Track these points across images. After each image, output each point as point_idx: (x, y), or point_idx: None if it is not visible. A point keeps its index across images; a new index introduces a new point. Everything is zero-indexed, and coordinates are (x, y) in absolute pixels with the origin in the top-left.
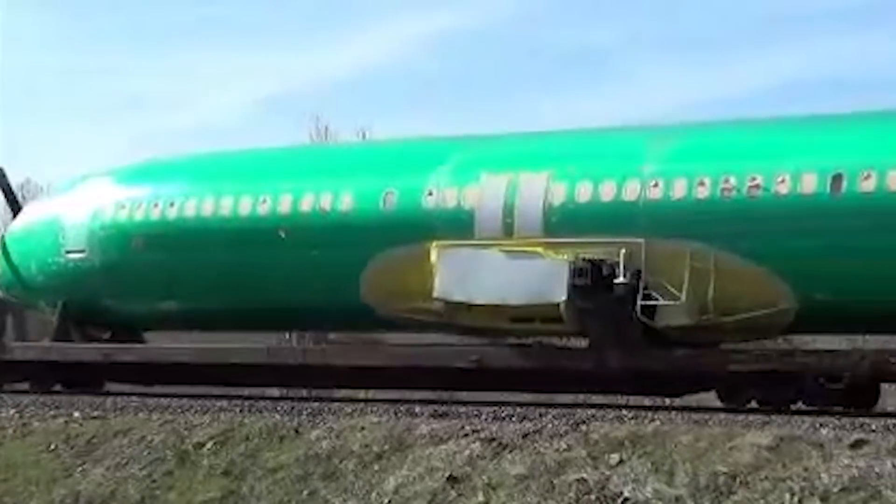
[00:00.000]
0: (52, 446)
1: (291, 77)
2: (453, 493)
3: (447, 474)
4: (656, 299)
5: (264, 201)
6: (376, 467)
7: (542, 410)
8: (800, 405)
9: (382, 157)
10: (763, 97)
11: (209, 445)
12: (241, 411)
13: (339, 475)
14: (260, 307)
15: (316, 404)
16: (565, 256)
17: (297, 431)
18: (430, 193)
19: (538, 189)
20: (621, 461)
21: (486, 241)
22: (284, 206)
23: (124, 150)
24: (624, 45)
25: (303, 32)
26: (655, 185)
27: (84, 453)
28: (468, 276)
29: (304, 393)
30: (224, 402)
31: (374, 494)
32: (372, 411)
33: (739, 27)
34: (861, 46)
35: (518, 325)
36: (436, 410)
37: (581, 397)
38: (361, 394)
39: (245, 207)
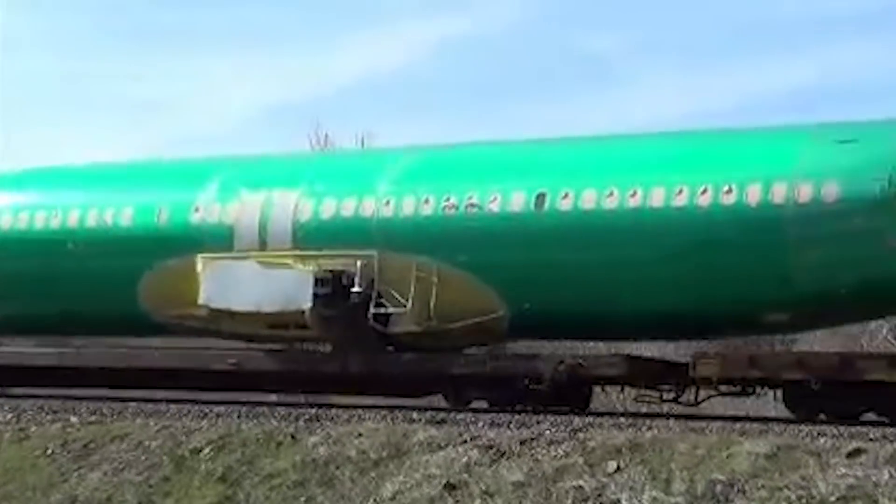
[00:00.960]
0: (49, 451)
1: (293, 83)
2: (451, 500)
3: (444, 481)
4: (386, 307)
5: (56, 216)
6: (373, 474)
7: (540, 418)
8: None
9: (161, 175)
10: (764, 105)
11: (206, 451)
12: (238, 417)
13: (337, 482)
14: (56, 314)
15: (313, 410)
16: (310, 267)
17: (294, 437)
18: (197, 210)
19: (289, 206)
20: (618, 469)
21: (243, 253)
22: (72, 220)
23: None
24: (627, 52)
25: (305, 38)
26: (387, 203)
27: (81, 458)
28: (229, 286)
29: (302, 399)
30: (221, 408)
31: (371, 501)
32: (369, 418)
33: (743, 34)
34: (868, 53)
35: (273, 331)
36: (433, 417)
37: None
38: (359, 400)
39: (41, 221)
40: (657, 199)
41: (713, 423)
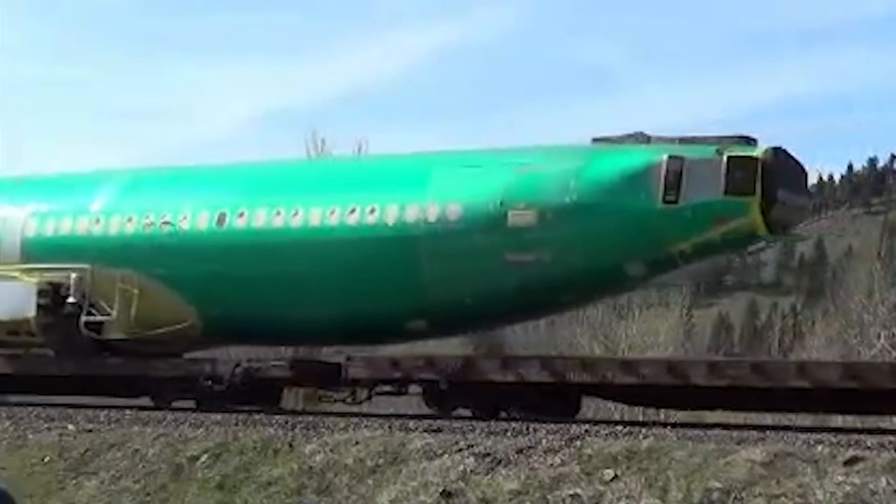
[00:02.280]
0: (47, 459)
1: (291, 89)
2: None
3: (441, 489)
4: (96, 316)
5: None
6: (370, 481)
7: (536, 426)
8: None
9: None
10: (766, 112)
11: (203, 459)
12: (235, 425)
13: (333, 489)
14: None
15: (310, 418)
16: (35, 280)
17: (291, 445)
18: None
19: (19, 223)
20: (615, 477)
21: None
22: None
23: (120, 162)
24: (624, 61)
25: (304, 45)
26: (98, 220)
27: (78, 466)
28: None
29: (299, 406)
30: (219, 416)
31: None
32: (366, 426)
33: (745, 43)
34: (871, 62)
35: (10, 338)
36: (430, 425)
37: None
38: (356, 408)
39: None
40: (315, 218)
41: (710, 432)
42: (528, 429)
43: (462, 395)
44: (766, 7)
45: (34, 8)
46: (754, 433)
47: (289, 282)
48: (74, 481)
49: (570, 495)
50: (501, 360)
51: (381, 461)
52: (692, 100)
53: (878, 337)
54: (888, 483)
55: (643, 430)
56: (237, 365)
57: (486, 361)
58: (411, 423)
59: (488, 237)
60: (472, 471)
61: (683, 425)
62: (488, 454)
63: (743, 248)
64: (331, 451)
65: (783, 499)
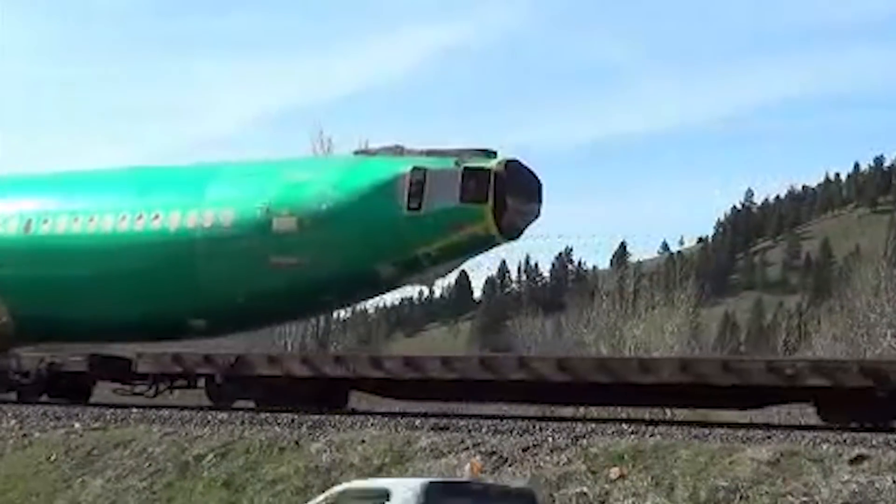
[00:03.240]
0: (53, 457)
1: (298, 88)
2: None
3: None
4: None
5: None
6: None
7: (543, 424)
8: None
9: None
10: (770, 111)
11: (210, 457)
12: (241, 423)
13: None
14: None
15: (316, 417)
16: None
17: (297, 444)
18: None
19: None
20: (621, 475)
21: None
22: None
23: (128, 161)
24: (630, 59)
25: (310, 44)
26: None
27: (84, 464)
28: None
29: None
30: (225, 415)
31: None
32: (372, 424)
33: (747, 42)
34: (870, 62)
35: None
36: (436, 424)
37: (581, 411)
38: (362, 406)
39: None
40: (108, 224)
41: (716, 430)
42: (534, 427)
43: (237, 389)
44: (775, 5)
45: (42, 8)
46: (760, 432)
47: (87, 284)
48: (81, 479)
49: (577, 493)
50: (268, 356)
51: (386, 459)
52: (700, 97)
53: (885, 336)
54: (894, 481)
55: (649, 429)
56: (41, 360)
57: (256, 357)
58: (417, 422)
59: (256, 242)
60: (478, 469)
61: (690, 424)
62: (494, 452)
63: (481, 251)
64: (337, 449)
65: (789, 497)
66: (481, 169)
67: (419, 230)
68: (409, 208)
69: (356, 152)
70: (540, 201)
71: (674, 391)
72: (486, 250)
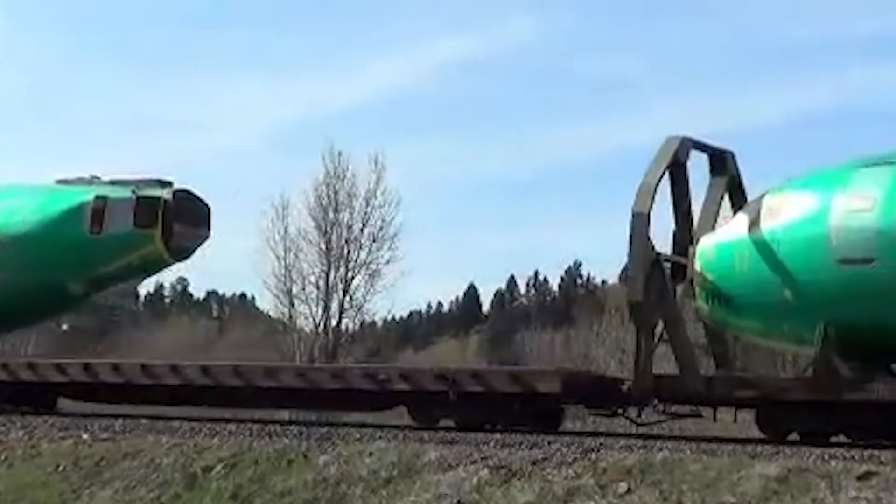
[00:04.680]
0: (61, 468)
1: (310, 102)
2: None
3: (455, 501)
4: None
5: None
6: (384, 493)
7: (551, 438)
8: None
9: None
10: (790, 126)
11: (218, 469)
12: (250, 435)
13: (348, 500)
14: None
15: (325, 429)
16: None
17: (305, 456)
18: None
19: None
20: (629, 490)
21: None
22: None
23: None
24: (640, 74)
25: (322, 58)
26: None
27: (92, 475)
28: None
29: (314, 417)
30: (233, 426)
31: None
32: (380, 437)
33: (765, 57)
34: (883, 77)
35: None
36: (444, 436)
37: (590, 425)
38: (371, 419)
39: None
40: None
41: (725, 445)
42: (542, 441)
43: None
44: (793, 20)
45: (58, 21)
46: (769, 447)
47: None
48: (88, 490)
49: None
50: (27, 363)
51: (395, 472)
52: (713, 111)
53: None
54: None
55: (657, 444)
56: None
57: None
58: (426, 435)
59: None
60: (486, 482)
61: (698, 439)
62: (503, 466)
63: (156, 270)
64: (345, 462)
65: None
66: (152, 197)
67: (100, 251)
68: (91, 232)
69: (58, 181)
70: (208, 226)
71: (293, 395)
72: (160, 270)
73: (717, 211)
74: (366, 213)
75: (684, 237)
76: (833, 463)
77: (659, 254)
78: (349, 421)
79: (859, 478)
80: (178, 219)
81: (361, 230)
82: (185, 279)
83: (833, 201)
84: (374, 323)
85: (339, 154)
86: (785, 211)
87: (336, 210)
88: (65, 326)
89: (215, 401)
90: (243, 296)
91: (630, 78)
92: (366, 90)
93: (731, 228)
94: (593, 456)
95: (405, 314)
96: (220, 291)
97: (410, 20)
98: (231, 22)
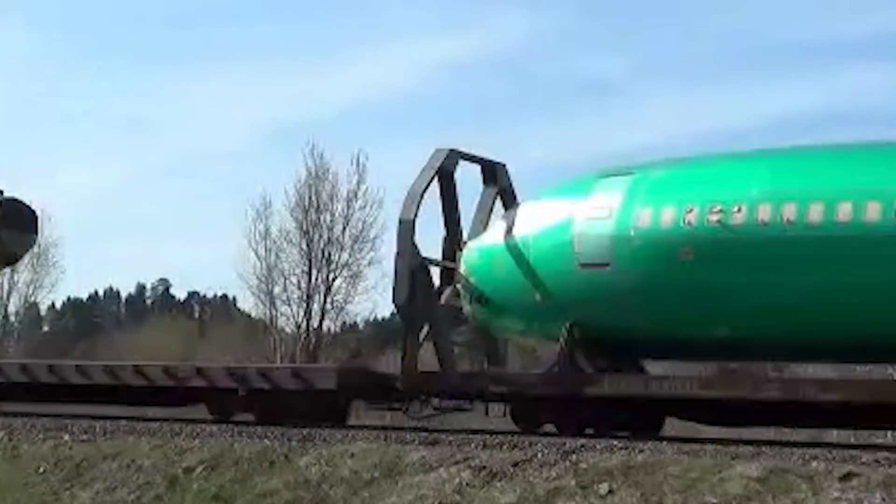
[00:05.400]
0: (42, 469)
1: (294, 101)
2: None
3: (437, 502)
4: None
5: None
6: (366, 494)
7: (533, 439)
8: None
9: None
10: (770, 128)
11: (199, 470)
12: (231, 436)
13: (329, 501)
14: None
15: (306, 430)
16: None
17: (287, 457)
18: None
19: None
20: (611, 491)
21: None
22: None
23: (122, 173)
24: (631, 74)
25: (306, 57)
26: None
27: (73, 476)
28: None
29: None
30: (215, 427)
31: None
32: (362, 438)
33: (749, 57)
34: (872, 78)
35: None
36: (426, 438)
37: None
38: (352, 420)
39: None
40: None
41: (706, 446)
42: (524, 442)
43: None
44: (775, 21)
45: (33, 21)
46: (750, 448)
47: None
48: (69, 492)
49: None
50: None
51: (376, 473)
52: (700, 112)
53: None
54: (883, 499)
55: (639, 445)
56: None
57: None
58: (408, 436)
59: None
60: (467, 484)
61: (679, 440)
62: (484, 467)
63: None
64: (326, 463)
65: None
66: None
67: None
68: None
69: None
70: (36, 231)
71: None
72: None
73: (487, 218)
74: (347, 213)
75: (453, 243)
76: (815, 464)
77: (426, 258)
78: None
79: (841, 479)
80: (5, 225)
81: (343, 231)
82: (166, 280)
83: (576, 210)
84: (355, 324)
85: (321, 154)
86: (536, 218)
87: (318, 211)
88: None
89: (38, 397)
90: (224, 297)
91: (616, 78)
92: (353, 89)
93: (491, 235)
94: (574, 457)
95: (387, 315)
96: (202, 293)
97: (399, 20)
98: (217, 19)
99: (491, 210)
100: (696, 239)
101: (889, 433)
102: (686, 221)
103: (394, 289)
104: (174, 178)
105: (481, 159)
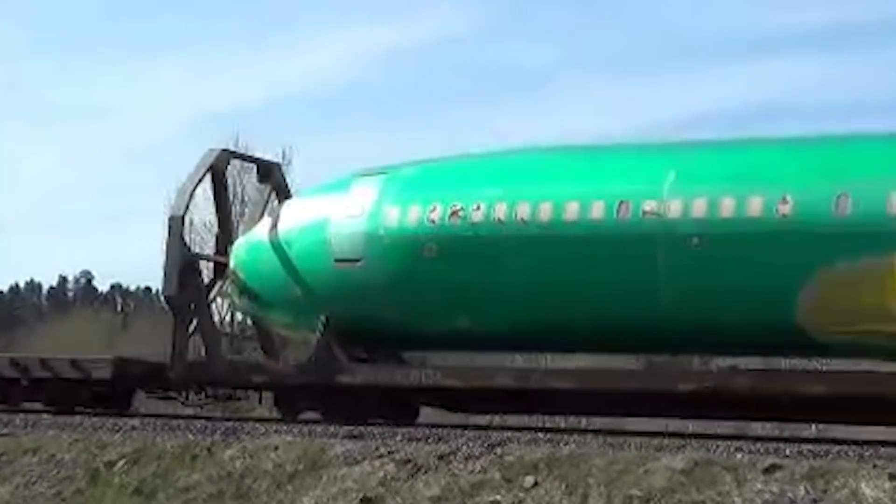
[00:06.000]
0: None
1: (225, 93)
2: None
3: (361, 495)
4: None
5: None
6: (290, 487)
7: (458, 432)
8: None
9: None
10: (708, 118)
11: (121, 464)
12: (153, 430)
13: (252, 495)
14: None
15: (230, 424)
16: None
17: (209, 451)
18: None
19: None
20: (536, 484)
21: None
22: None
23: (44, 164)
24: (561, 65)
25: (237, 48)
26: None
27: None
28: None
29: (219, 412)
30: (137, 421)
31: None
32: (286, 431)
33: (676, 48)
34: (804, 72)
35: None
36: (350, 431)
37: (497, 419)
38: (276, 414)
39: None
40: None
41: (631, 439)
42: (449, 435)
43: None
44: (712, 14)
45: None
46: (675, 441)
47: None
48: None
49: (491, 502)
50: None
51: (300, 467)
52: (633, 104)
53: None
54: (807, 491)
55: (564, 437)
56: None
57: None
58: (331, 429)
59: None
60: (392, 477)
61: (605, 432)
62: (409, 460)
63: None
64: (250, 456)
65: None
66: None
67: None
68: None
69: None
70: None
71: None
72: None
73: (261, 215)
74: None
75: (225, 239)
76: (739, 456)
77: (197, 254)
78: (255, 416)
79: (765, 470)
80: None
81: None
82: (88, 272)
83: (333, 208)
84: None
85: (246, 146)
86: (297, 216)
87: (242, 203)
88: None
89: None
90: (148, 289)
91: (549, 69)
92: (281, 81)
93: (258, 231)
94: (499, 450)
95: None
96: (125, 285)
97: (328, 10)
98: (147, 10)
99: (265, 207)
100: (439, 236)
101: (814, 426)
102: (430, 220)
103: (163, 282)
104: (97, 170)
105: (256, 159)
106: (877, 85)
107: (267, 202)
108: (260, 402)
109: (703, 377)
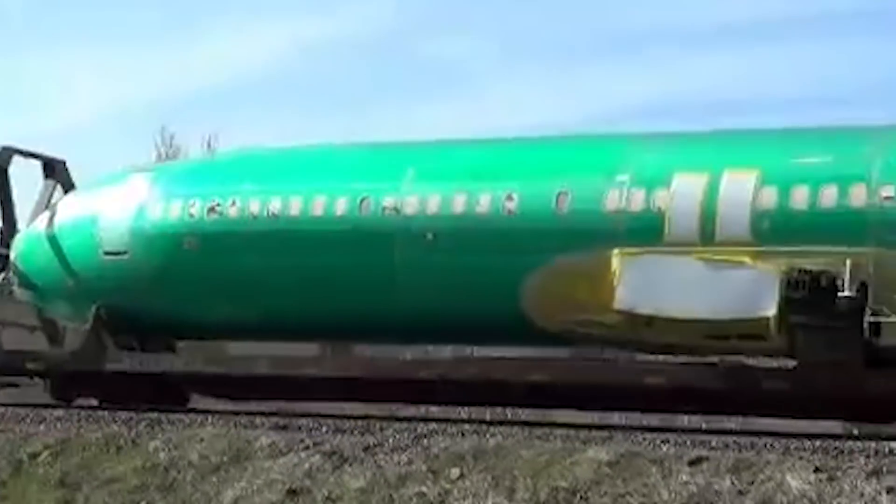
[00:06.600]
0: None
1: (148, 81)
2: None
3: (287, 487)
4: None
5: None
6: (214, 479)
7: (384, 424)
8: None
9: None
10: (647, 110)
11: (44, 455)
12: (78, 421)
13: (177, 486)
14: None
15: (154, 415)
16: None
17: (134, 442)
18: None
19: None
20: (462, 475)
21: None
22: None
23: None
24: (489, 58)
25: (161, 36)
26: None
27: None
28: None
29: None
30: (61, 412)
31: None
32: (211, 423)
33: (609, 43)
34: (736, 67)
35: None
36: (276, 423)
37: (422, 410)
38: (200, 404)
39: None
40: None
41: (557, 431)
42: (375, 426)
43: None
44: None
45: None
46: (602, 433)
47: None
48: None
49: (417, 493)
50: None
51: (225, 458)
52: (566, 97)
53: None
54: (732, 483)
55: (490, 429)
56: None
57: None
58: (257, 420)
59: None
60: (318, 469)
61: (531, 424)
62: (335, 452)
63: None
64: (175, 448)
65: (628, 498)
66: None
67: None
68: None
69: None
70: None
71: None
72: None
73: (44, 210)
74: None
75: (8, 232)
76: (665, 448)
77: None
78: (178, 407)
79: (691, 463)
80: None
81: None
82: None
83: (105, 203)
84: None
85: (172, 137)
86: (72, 210)
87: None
88: None
89: None
90: None
91: (484, 62)
92: (210, 71)
93: (38, 225)
94: (426, 442)
95: None
96: None
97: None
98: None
99: (48, 202)
100: (197, 231)
101: (741, 417)
102: (190, 214)
103: None
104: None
105: (40, 156)
106: (789, 78)
107: (50, 197)
108: (45, 390)
109: (432, 365)
